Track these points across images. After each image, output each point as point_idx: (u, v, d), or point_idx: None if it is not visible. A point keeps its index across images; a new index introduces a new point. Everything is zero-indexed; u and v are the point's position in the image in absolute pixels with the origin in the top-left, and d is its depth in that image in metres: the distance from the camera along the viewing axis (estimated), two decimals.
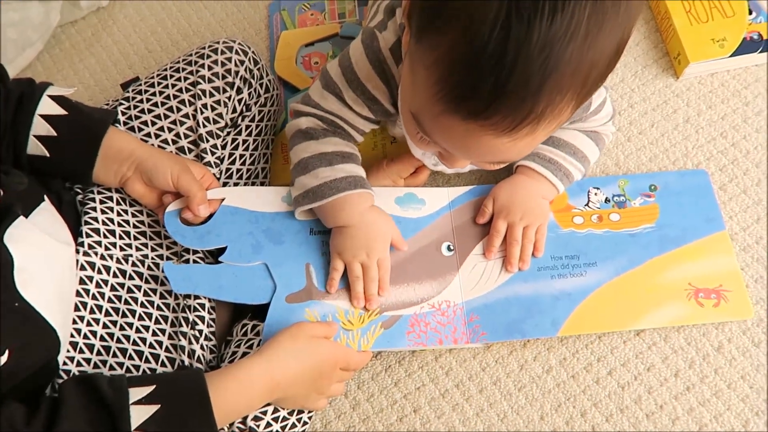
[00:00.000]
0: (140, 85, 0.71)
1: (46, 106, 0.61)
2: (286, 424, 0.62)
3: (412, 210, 0.72)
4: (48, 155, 0.61)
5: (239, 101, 0.71)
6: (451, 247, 0.71)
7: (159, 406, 0.50)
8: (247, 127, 0.74)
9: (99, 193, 0.66)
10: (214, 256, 0.69)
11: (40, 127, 0.61)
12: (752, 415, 0.66)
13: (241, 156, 0.75)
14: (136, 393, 0.51)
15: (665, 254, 0.70)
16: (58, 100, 0.62)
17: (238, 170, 0.75)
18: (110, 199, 0.66)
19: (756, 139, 0.79)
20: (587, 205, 0.74)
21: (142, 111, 0.69)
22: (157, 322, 0.63)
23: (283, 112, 0.84)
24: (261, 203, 0.70)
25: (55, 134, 0.61)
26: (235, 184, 0.75)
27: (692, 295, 0.68)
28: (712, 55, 0.81)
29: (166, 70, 0.71)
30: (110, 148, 0.63)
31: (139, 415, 0.49)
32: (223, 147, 0.72)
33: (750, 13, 0.83)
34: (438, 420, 0.69)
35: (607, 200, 0.74)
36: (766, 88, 0.82)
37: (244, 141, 0.75)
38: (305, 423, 0.64)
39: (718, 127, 0.81)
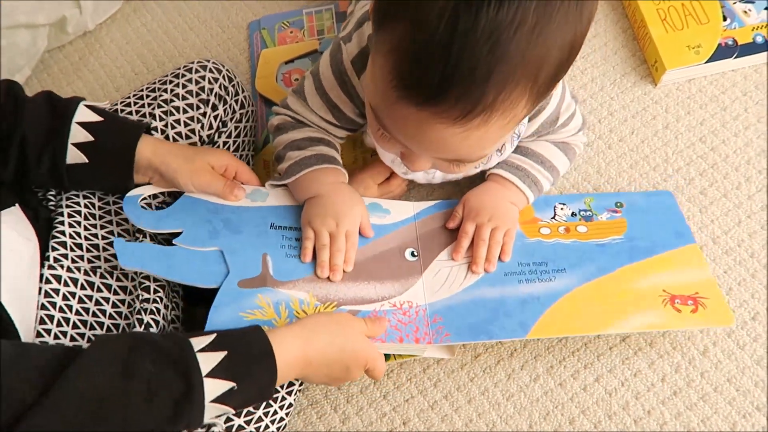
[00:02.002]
0: (117, 105, 0.72)
1: (83, 114, 0.63)
2: (260, 426, 0.62)
3: (376, 218, 0.72)
4: (87, 161, 0.62)
5: (215, 117, 0.73)
6: (415, 253, 0.70)
7: (226, 352, 0.50)
8: (225, 143, 0.76)
9: (68, 207, 0.66)
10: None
11: (78, 134, 0.62)
12: (739, 417, 0.66)
13: None
14: (197, 342, 0.50)
15: (637, 263, 0.70)
16: (93, 109, 0.64)
17: None
18: (78, 213, 0.66)
19: (734, 142, 0.80)
20: (554, 218, 0.74)
21: None
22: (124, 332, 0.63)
23: (264, 129, 0.85)
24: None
25: (93, 139, 0.62)
26: None
27: (668, 302, 0.67)
28: (688, 62, 0.82)
29: (142, 90, 0.73)
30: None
31: (207, 362, 0.48)
32: None
33: (724, 19, 0.84)
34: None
35: (573, 214, 0.74)
36: (743, 93, 0.83)
37: None
38: (282, 420, 0.64)
39: (697, 132, 0.82)
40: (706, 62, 0.82)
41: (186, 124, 0.70)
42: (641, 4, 0.86)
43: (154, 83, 0.73)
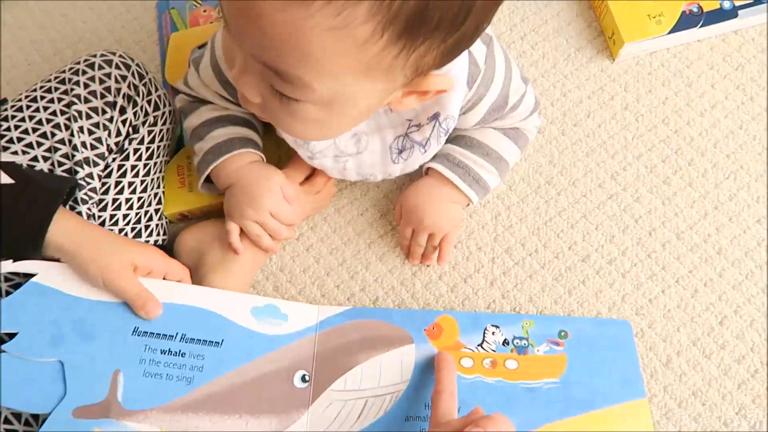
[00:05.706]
0: (6, 109, 0.61)
1: None
2: None
3: (268, 325, 0.60)
4: None
5: (123, 122, 0.63)
6: (307, 378, 0.58)
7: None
8: (136, 150, 0.65)
9: None
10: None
11: None
12: None
13: (131, 184, 0.66)
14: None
15: (567, 419, 0.57)
16: (5, 166, 0.53)
17: (127, 200, 0.66)
18: None
19: (700, 123, 0.72)
20: (481, 345, 0.61)
21: (11, 140, 0.60)
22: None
23: (178, 129, 0.74)
24: (81, 286, 0.57)
25: None
26: (125, 216, 0.66)
27: None
28: (649, 34, 0.73)
29: (35, 91, 0.62)
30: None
31: None
32: (108, 175, 0.63)
33: None
34: None
35: (505, 342, 0.61)
36: (710, 66, 0.75)
37: (133, 167, 0.66)
38: None
39: (659, 113, 0.73)
40: (668, 33, 0.73)
41: (90, 132, 0.60)
42: None
43: (49, 81, 0.62)
